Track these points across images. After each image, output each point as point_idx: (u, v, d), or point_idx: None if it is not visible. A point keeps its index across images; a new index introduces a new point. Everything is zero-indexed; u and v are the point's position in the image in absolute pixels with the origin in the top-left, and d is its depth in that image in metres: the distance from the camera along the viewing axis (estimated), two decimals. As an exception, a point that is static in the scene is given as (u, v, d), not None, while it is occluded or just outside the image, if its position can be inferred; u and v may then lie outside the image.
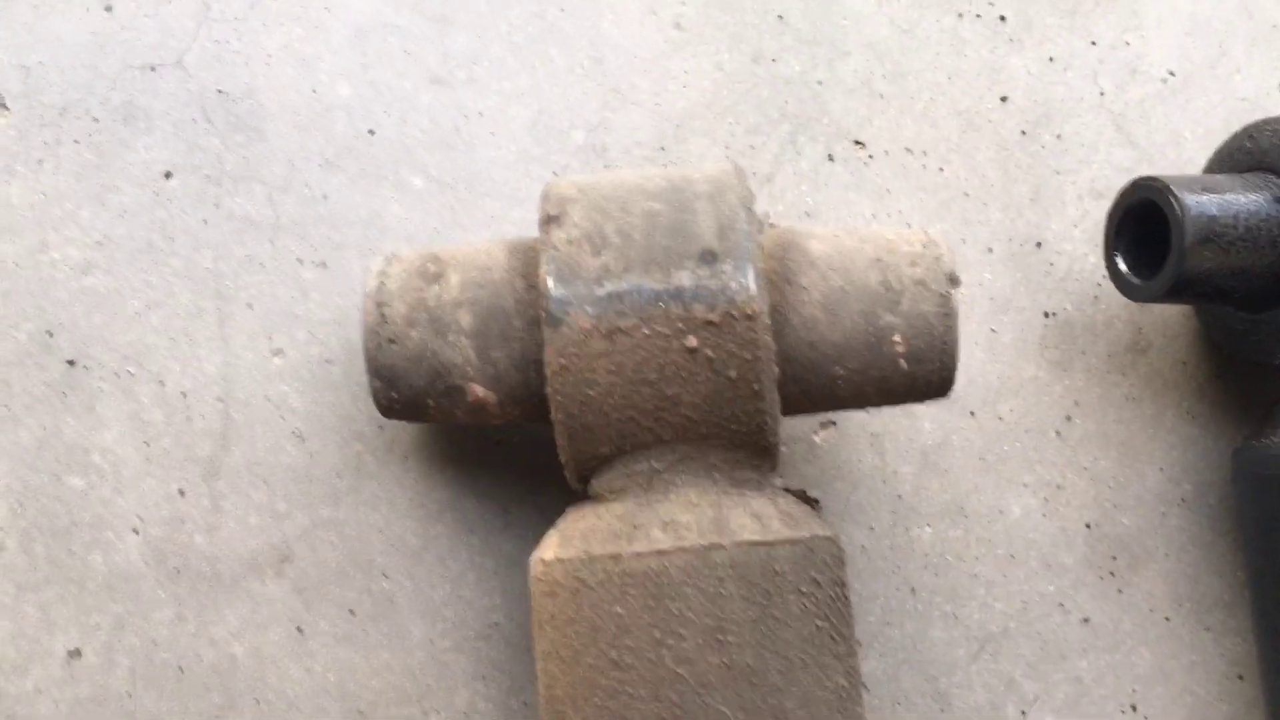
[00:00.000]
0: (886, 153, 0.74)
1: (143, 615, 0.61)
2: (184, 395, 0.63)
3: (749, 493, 0.55)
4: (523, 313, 0.55)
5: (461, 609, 0.64)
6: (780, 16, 0.75)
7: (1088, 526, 0.72)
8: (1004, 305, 0.74)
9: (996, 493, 0.71)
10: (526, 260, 0.56)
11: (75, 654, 0.61)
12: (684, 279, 0.53)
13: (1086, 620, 0.71)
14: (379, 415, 0.65)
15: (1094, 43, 0.78)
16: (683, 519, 0.52)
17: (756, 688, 0.51)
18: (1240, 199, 0.64)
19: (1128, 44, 0.79)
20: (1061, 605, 0.71)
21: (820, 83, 0.74)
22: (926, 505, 0.70)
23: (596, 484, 0.55)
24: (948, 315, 0.56)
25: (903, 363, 0.56)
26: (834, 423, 0.70)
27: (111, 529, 0.62)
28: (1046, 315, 0.74)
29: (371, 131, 0.68)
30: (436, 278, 0.57)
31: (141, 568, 0.62)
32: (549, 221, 0.55)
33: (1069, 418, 0.73)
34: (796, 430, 0.70)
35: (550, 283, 0.53)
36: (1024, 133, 0.76)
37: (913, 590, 0.69)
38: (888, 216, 0.73)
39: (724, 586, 0.51)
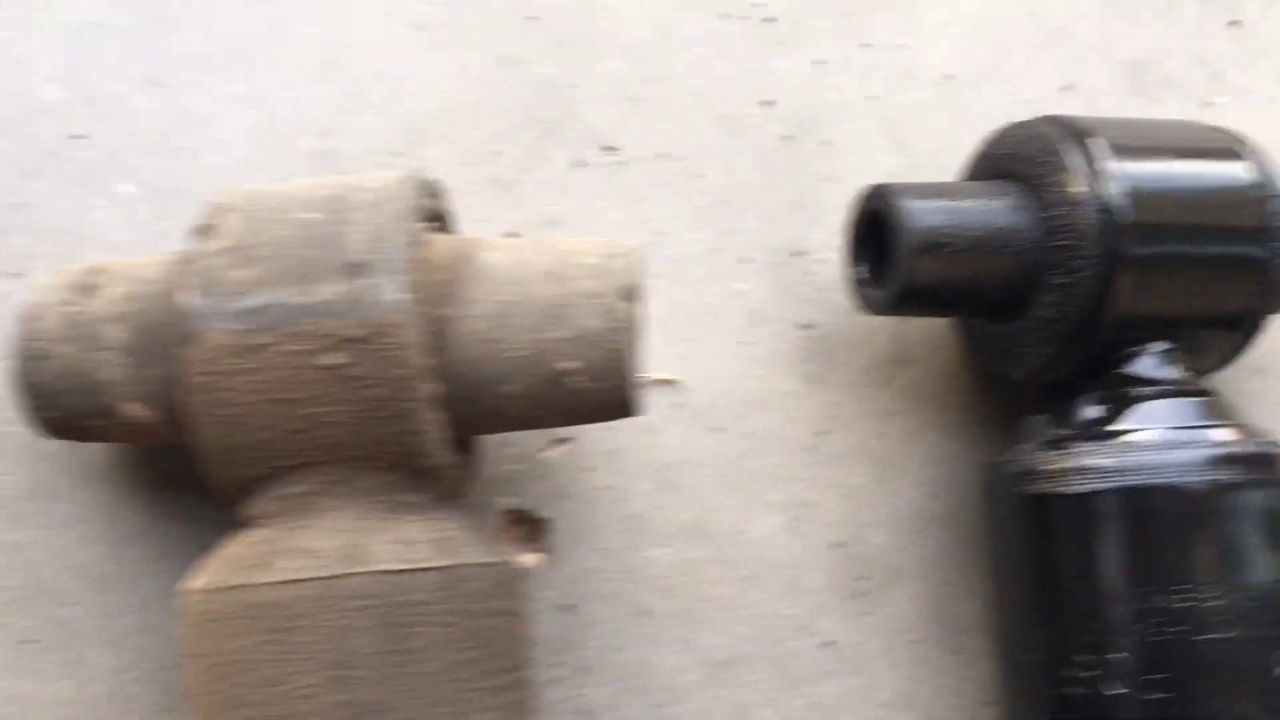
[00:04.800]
0: (640, 159, 0.72)
1: None
2: None
3: (405, 518, 0.53)
4: (173, 327, 0.53)
5: (150, 638, 0.61)
6: (532, 18, 0.72)
7: (836, 546, 0.69)
8: (760, 317, 0.71)
9: (740, 511, 0.69)
10: (181, 272, 0.54)
11: None
12: (327, 292, 0.50)
13: (830, 644, 0.68)
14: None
15: (868, 45, 0.76)
16: (319, 546, 0.50)
17: (384, 725, 0.49)
18: (971, 206, 0.62)
19: (904, 46, 0.76)
20: (804, 628, 0.68)
21: (572, 86, 0.72)
22: (663, 525, 0.68)
23: (247, 509, 0.53)
24: (618, 330, 0.53)
25: (574, 379, 0.54)
26: (569, 440, 0.68)
27: None
28: (803, 327, 0.71)
29: (81, 136, 0.65)
30: (93, 290, 0.54)
31: None
32: (201, 232, 0.53)
33: (822, 432, 0.71)
34: (526, 448, 0.67)
35: (191, 296, 0.51)
36: (789, 138, 0.74)
37: (644, 614, 0.67)
38: (638, 224, 0.71)
39: (349, 618, 0.49)
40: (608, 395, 0.54)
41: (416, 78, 0.70)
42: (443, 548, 0.52)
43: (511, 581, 0.54)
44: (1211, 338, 0.63)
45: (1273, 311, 0.63)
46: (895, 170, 0.74)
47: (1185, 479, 0.58)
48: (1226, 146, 0.63)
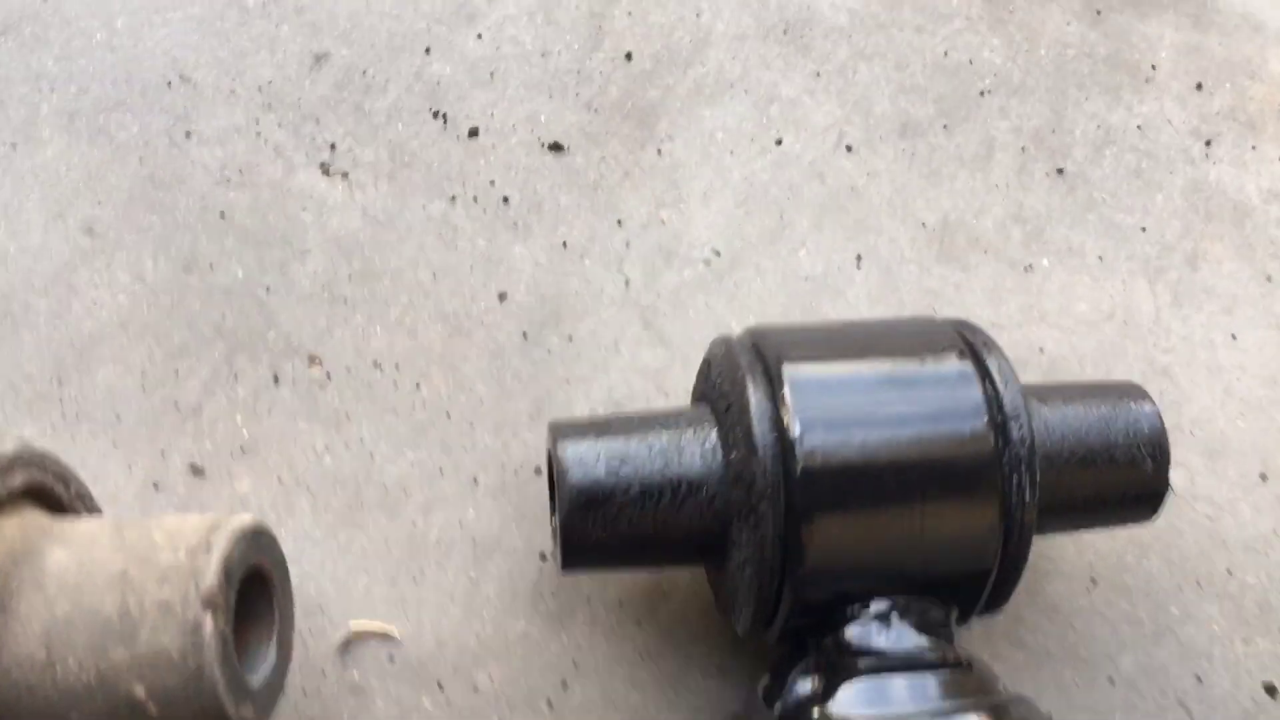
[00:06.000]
0: (348, 370, 0.63)
1: None
2: None
3: None
4: None
5: None
6: (222, 214, 0.63)
7: (579, 824, 0.59)
8: (490, 548, 0.61)
9: (465, 787, 0.59)
10: None
11: None
12: None
13: None
14: None
15: (620, 222, 0.67)
16: None
17: None
18: (643, 450, 0.51)
19: (663, 222, 0.67)
20: None
21: (268, 290, 0.63)
22: (370, 809, 0.58)
23: None
24: (198, 649, 0.44)
25: (150, 707, 0.44)
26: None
27: None
28: (544, 557, 0.62)
29: None
30: None
31: None
32: None
33: (565, 683, 0.60)
34: (200, 726, 0.57)
35: None
36: (526, 335, 0.64)
37: None
38: (345, 447, 0.61)
39: None
40: (197, 724, 0.44)
41: (84, 290, 0.61)
42: None
43: None
44: (951, 588, 0.52)
45: (1028, 542, 0.52)
46: (654, 366, 0.65)
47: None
48: (957, 352, 0.51)
